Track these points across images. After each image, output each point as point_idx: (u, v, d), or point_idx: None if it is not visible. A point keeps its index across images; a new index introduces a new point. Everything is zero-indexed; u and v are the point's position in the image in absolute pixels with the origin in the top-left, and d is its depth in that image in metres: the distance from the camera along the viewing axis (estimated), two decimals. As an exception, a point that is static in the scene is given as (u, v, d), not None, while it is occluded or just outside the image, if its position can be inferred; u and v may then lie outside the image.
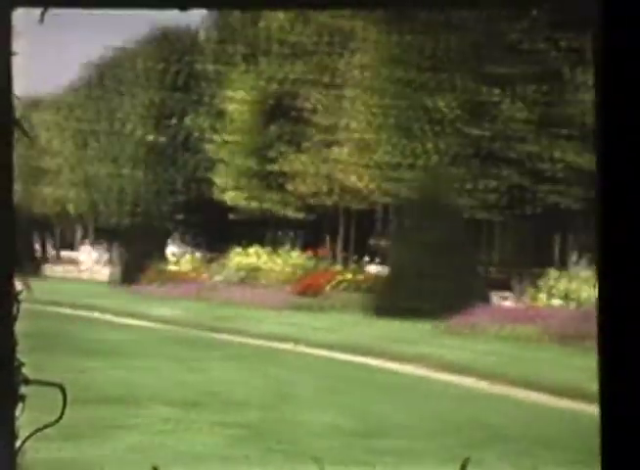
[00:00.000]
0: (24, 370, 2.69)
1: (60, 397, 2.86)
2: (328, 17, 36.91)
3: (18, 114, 2.65)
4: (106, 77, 53.09)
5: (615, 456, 2.47)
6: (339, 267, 35.81)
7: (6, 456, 2.53)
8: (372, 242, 39.48)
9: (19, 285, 2.66)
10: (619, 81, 2.50)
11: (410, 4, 2.82)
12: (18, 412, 2.61)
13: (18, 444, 2.65)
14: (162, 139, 47.41)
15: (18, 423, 2.59)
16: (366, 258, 36.85)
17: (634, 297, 2.43)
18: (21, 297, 2.63)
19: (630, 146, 2.49)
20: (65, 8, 2.54)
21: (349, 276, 33.39)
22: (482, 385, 18.39)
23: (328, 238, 39.26)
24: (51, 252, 69.53)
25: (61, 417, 2.80)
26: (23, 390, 2.64)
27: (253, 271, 37.87)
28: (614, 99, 2.49)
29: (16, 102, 2.46)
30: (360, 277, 33.29)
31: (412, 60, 32.52)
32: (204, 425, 13.68)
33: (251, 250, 39.38)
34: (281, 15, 38.07)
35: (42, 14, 2.51)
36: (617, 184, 2.48)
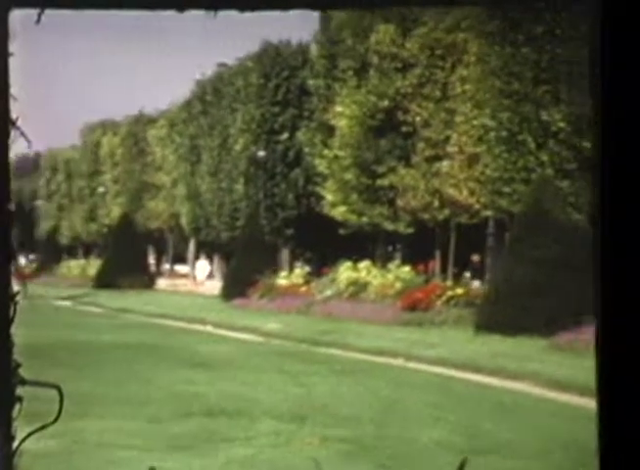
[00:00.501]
0: (29, 372, 2.68)
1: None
2: (438, 31, 36.77)
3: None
4: (218, 94, 53.73)
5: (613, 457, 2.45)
6: (449, 283, 35.53)
7: (3, 458, 2.50)
8: (476, 257, 39.10)
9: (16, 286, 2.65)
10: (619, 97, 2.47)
11: (414, 3, 2.79)
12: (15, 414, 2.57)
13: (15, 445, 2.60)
14: (273, 154, 47.74)
15: (15, 424, 2.55)
16: (468, 274, 36.53)
17: (634, 296, 2.42)
18: (18, 298, 2.60)
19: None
20: (63, 9, 2.53)
21: (460, 291, 33.08)
22: (594, 404, 17.99)
23: (438, 253, 39.01)
24: (164, 265, 70.54)
25: (57, 418, 2.76)
26: (20, 391, 2.59)
27: (363, 286, 37.82)
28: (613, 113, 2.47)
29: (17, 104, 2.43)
30: (472, 293, 32.95)
31: (522, 72, 32.18)
32: (314, 439, 13.66)
33: (361, 264, 39.34)
34: (391, 29, 38.05)
35: (39, 15, 2.49)
36: (615, 179, 2.45)
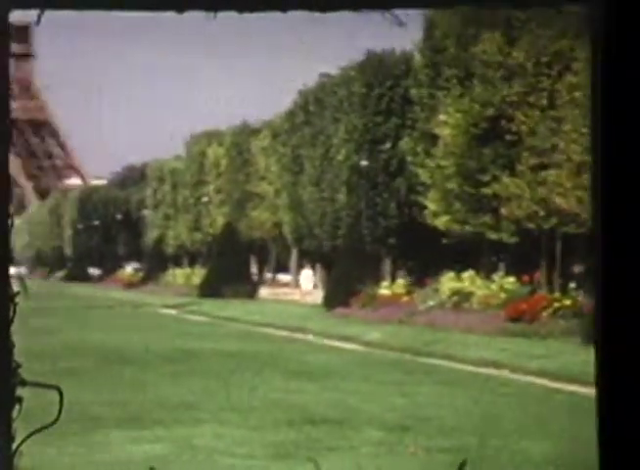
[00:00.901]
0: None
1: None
2: (545, 38, 36.30)
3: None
4: (321, 104, 53.87)
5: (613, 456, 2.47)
6: (556, 294, 34.96)
7: (3, 459, 2.50)
8: (578, 268, 38.42)
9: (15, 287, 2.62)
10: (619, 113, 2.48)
11: (415, 4, 2.74)
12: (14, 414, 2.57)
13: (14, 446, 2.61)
14: (375, 164, 47.66)
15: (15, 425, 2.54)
16: (573, 284, 35.89)
17: (634, 296, 2.43)
18: (17, 298, 2.58)
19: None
20: (62, 10, 2.51)
21: (568, 303, 32.50)
22: None
23: (544, 263, 38.43)
24: (267, 274, 70.92)
25: (57, 419, 2.74)
26: (20, 392, 2.59)
27: (466, 296, 37.48)
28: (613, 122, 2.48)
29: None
30: (579, 304, 32.34)
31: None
32: (417, 449, 13.51)
33: (465, 274, 38.99)
34: (497, 37, 37.67)
35: (39, 16, 2.47)
36: (615, 180, 2.46)
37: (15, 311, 2.55)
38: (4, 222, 2.55)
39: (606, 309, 2.47)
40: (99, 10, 2.53)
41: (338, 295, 44.26)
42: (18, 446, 2.55)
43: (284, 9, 2.51)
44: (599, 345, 2.49)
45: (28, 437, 2.64)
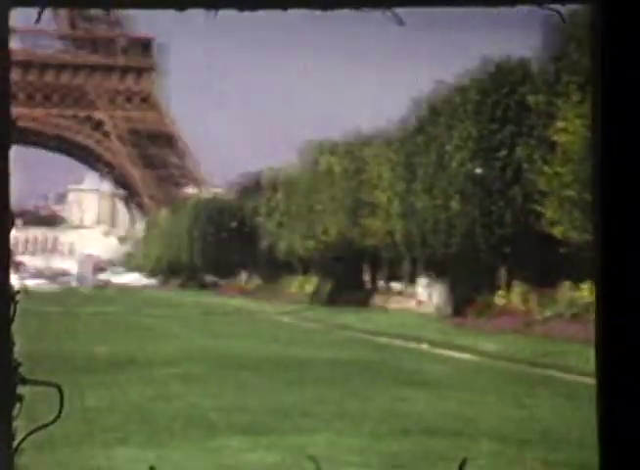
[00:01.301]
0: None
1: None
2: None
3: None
4: (435, 111, 53.56)
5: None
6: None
7: (4, 457, 2.50)
8: None
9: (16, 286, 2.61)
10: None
11: (414, 3, 2.73)
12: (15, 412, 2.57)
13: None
14: (490, 171, 47.14)
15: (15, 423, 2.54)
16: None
17: (634, 296, 2.44)
18: (18, 297, 2.58)
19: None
20: (63, 8, 2.49)
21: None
22: None
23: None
24: (380, 282, 70.77)
25: (58, 417, 2.74)
26: (21, 390, 2.57)
27: (585, 307, 36.75)
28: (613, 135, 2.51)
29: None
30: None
31: None
32: (536, 463, 13.21)
33: (584, 285, 38.26)
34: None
35: (39, 14, 2.45)
36: (615, 180, 2.48)
37: (15, 311, 2.55)
38: (4, 222, 2.55)
39: (606, 309, 2.47)
40: (98, 9, 2.55)
41: (452, 304, 43.86)
42: (18, 445, 2.55)
43: (284, 7, 2.53)
44: (599, 345, 2.49)
45: (28, 435, 2.64)
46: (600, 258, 2.48)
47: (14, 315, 2.55)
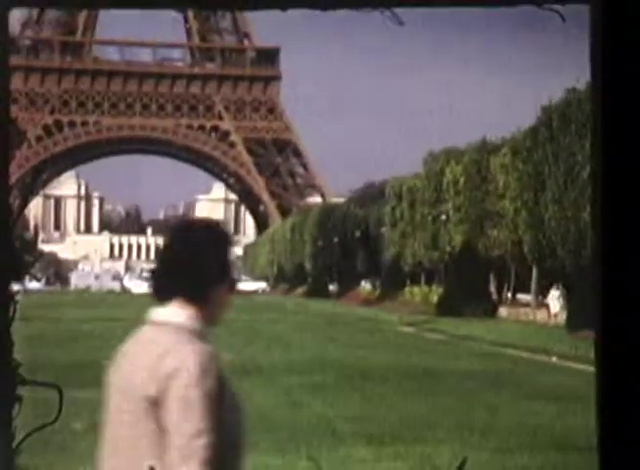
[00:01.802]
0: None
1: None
2: None
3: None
4: (566, 119, 52.66)
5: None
6: None
7: (4, 457, 2.51)
8: None
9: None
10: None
11: (414, 3, 2.72)
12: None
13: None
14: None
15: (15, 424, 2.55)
16: None
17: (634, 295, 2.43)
18: (17, 298, 2.60)
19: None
20: (61, 9, 2.40)
21: None
22: None
23: None
24: (506, 294, 69.90)
25: (57, 417, 2.74)
26: (20, 391, 2.59)
27: None
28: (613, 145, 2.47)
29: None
30: None
31: None
32: None
33: None
34: None
35: (39, 15, 2.32)
36: (615, 180, 2.45)
37: (15, 311, 2.55)
38: (4, 222, 2.57)
39: (606, 309, 2.49)
40: (98, 9, 2.57)
41: (582, 316, 42.96)
42: (18, 445, 2.56)
43: (284, 7, 2.53)
44: (599, 344, 2.50)
45: (28, 435, 2.64)
46: (600, 261, 2.52)
47: (13, 315, 2.56)
